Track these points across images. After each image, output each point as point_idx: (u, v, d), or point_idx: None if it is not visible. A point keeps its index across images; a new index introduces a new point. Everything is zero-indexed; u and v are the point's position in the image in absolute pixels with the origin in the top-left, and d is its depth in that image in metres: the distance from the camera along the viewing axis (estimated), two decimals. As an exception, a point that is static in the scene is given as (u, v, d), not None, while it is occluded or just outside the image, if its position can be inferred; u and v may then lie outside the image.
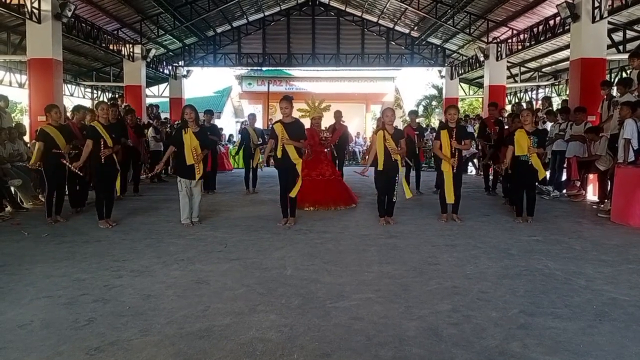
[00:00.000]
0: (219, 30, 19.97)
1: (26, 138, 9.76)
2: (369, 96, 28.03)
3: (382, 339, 3.01)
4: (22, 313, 3.45)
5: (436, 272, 4.44)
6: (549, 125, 10.82)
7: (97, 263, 4.73)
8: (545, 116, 11.46)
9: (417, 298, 3.74)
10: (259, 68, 23.84)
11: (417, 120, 10.67)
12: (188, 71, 20.95)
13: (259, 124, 26.63)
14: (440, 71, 21.15)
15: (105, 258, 4.91)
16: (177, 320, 3.31)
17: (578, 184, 9.27)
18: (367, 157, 9.39)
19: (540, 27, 13.07)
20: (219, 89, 31.26)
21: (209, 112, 10.56)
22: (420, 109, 30.08)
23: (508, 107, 17.18)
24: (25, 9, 10.07)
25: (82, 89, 19.75)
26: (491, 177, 9.76)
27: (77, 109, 8.24)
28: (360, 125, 26.78)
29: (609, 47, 11.19)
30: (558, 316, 3.37)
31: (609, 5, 9.92)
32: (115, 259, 4.90)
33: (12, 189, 7.97)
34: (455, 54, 20.21)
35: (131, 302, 3.64)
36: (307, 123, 8.72)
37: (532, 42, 13.69)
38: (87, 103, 18.90)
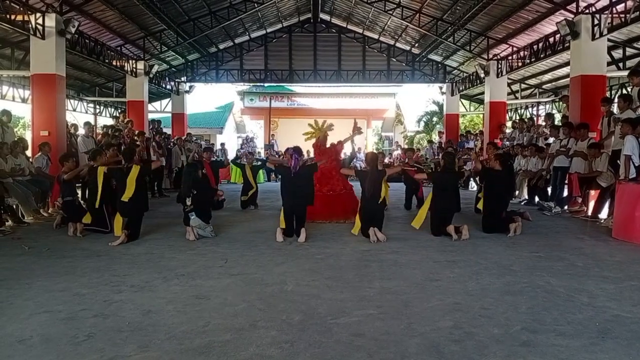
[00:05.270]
0: (221, 46, 20.11)
1: (28, 152, 9.78)
2: (370, 112, 28.15)
3: (383, 356, 2.98)
4: (22, 328, 3.43)
5: (438, 288, 4.42)
6: (551, 141, 10.87)
7: (98, 278, 4.71)
8: (548, 132, 11.53)
9: (418, 314, 3.71)
10: (260, 84, 24.00)
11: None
12: (190, 87, 21.05)
13: (260, 140, 26.74)
14: (441, 87, 21.23)
15: (105, 273, 4.90)
16: (177, 336, 3.29)
17: (580, 200, 9.26)
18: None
19: (540, 45, 13.14)
20: (221, 105, 31.45)
21: (208, 150, 11.93)
22: (421, 125, 30.15)
23: (509, 124, 17.32)
24: (30, 25, 10.17)
25: (85, 104, 19.83)
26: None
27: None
28: (361, 141, 26.87)
29: (608, 64, 11.24)
30: (561, 333, 3.34)
31: (609, 23, 10.01)
32: (115, 273, 4.88)
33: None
34: (456, 70, 20.33)
35: (131, 318, 3.63)
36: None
37: (532, 59, 13.76)
38: (90, 118, 18.98)
